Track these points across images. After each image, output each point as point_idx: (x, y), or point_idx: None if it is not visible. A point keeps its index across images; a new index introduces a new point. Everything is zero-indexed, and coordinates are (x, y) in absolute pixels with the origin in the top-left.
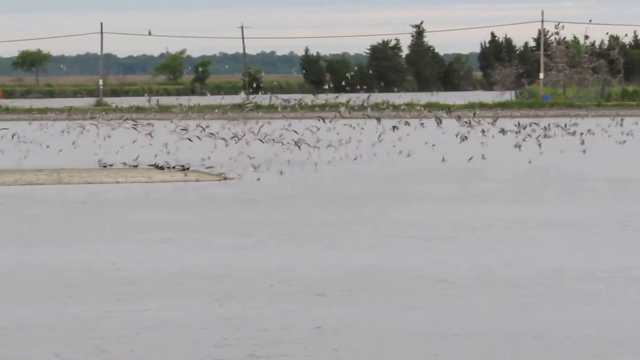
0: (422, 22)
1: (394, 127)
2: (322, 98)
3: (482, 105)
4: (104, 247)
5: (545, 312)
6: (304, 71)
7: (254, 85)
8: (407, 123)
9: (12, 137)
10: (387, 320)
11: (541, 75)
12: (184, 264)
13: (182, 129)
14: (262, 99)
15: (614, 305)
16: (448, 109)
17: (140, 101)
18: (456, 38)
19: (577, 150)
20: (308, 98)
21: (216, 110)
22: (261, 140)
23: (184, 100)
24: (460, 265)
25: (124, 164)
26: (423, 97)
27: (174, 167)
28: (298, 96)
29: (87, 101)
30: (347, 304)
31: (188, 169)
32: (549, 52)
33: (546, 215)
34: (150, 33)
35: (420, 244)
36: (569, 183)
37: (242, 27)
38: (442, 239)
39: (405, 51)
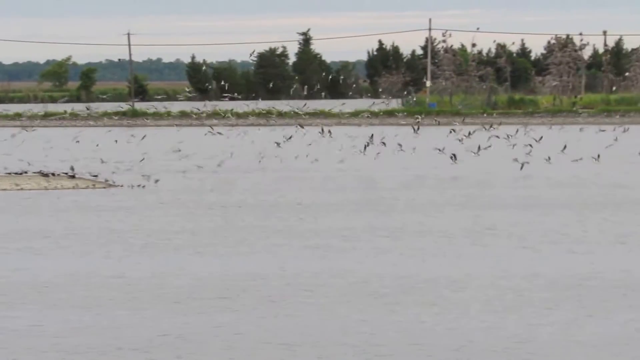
0: (309, 30)
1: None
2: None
3: (370, 113)
4: None
5: (406, 321)
6: (190, 78)
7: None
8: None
9: None
10: (244, 328)
11: (428, 83)
12: (49, 272)
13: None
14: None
15: (458, 311)
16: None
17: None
18: (343, 46)
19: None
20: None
21: (105, 118)
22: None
23: (69, 107)
24: (328, 274)
25: (9, 172)
26: (312, 105)
27: (59, 175)
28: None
29: None
30: (206, 312)
31: (74, 176)
32: (436, 60)
33: (406, 224)
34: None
35: (288, 253)
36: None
37: (128, 34)
38: (311, 248)
39: (292, 59)
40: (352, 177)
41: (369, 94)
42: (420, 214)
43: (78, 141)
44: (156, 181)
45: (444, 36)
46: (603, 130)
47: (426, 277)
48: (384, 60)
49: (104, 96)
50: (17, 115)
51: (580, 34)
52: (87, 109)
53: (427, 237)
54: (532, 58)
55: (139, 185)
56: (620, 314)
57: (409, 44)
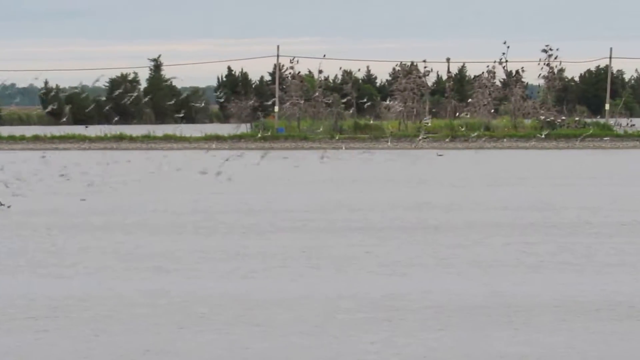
0: (159, 56)
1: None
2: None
3: (218, 138)
4: None
5: (228, 341)
6: (43, 103)
7: None
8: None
9: None
10: (73, 349)
11: (276, 109)
12: None
13: None
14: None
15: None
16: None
17: None
18: (194, 72)
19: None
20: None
21: None
22: None
23: None
24: (152, 295)
25: None
26: (161, 129)
27: None
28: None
29: None
30: (24, 332)
31: None
32: (284, 86)
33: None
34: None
35: (114, 274)
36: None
37: None
38: (138, 270)
39: (143, 84)
40: (188, 201)
41: (219, 119)
42: (246, 237)
43: None
44: (8, 206)
45: (291, 63)
46: (441, 155)
47: (252, 298)
48: (233, 86)
49: None
50: None
51: (424, 61)
52: None
53: (254, 259)
54: (378, 84)
55: None
56: (430, 333)
57: (258, 70)
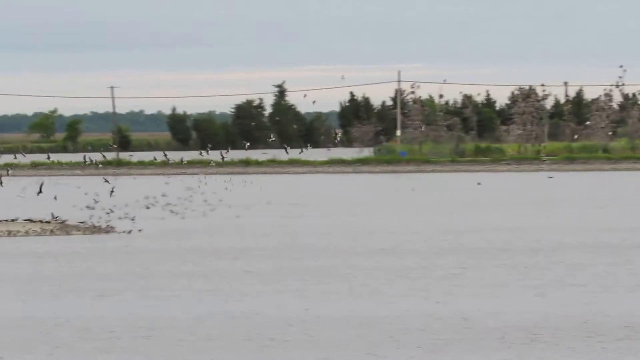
0: (283, 82)
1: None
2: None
3: (342, 162)
4: None
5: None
6: (171, 129)
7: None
8: None
9: None
10: None
11: (398, 133)
12: None
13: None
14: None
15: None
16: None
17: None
18: (317, 97)
19: None
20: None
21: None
22: None
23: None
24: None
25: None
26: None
27: (48, 222)
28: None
29: None
30: None
31: (65, 221)
32: (406, 111)
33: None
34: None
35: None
36: None
37: (111, 87)
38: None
39: (268, 110)
40: None
41: (343, 144)
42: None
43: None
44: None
45: (412, 88)
46: (551, 177)
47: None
48: (356, 111)
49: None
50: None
51: (543, 85)
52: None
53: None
54: (497, 108)
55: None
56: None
57: (379, 96)
